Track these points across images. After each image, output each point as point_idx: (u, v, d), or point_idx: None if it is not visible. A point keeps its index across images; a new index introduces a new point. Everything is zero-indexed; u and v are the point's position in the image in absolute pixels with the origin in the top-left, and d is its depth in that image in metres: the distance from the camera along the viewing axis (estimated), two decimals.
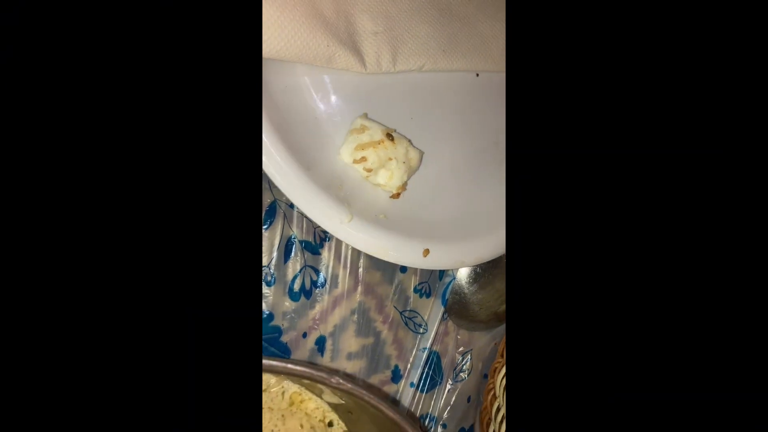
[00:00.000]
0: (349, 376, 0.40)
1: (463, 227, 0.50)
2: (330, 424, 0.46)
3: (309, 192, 0.42)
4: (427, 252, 0.47)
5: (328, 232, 0.44)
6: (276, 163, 0.40)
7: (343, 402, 0.45)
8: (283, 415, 0.44)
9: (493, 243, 0.51)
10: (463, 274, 0.54)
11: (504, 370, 0.54)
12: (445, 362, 0.55)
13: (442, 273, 0.54)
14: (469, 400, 0.55)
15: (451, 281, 0.53)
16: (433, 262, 0.48)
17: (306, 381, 0.37)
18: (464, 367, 0.54)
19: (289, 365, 0.35)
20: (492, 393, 0.55)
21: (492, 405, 0.54)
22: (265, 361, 0.34)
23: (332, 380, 0.36)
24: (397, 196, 0.47)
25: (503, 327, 0.56)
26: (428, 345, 0.52)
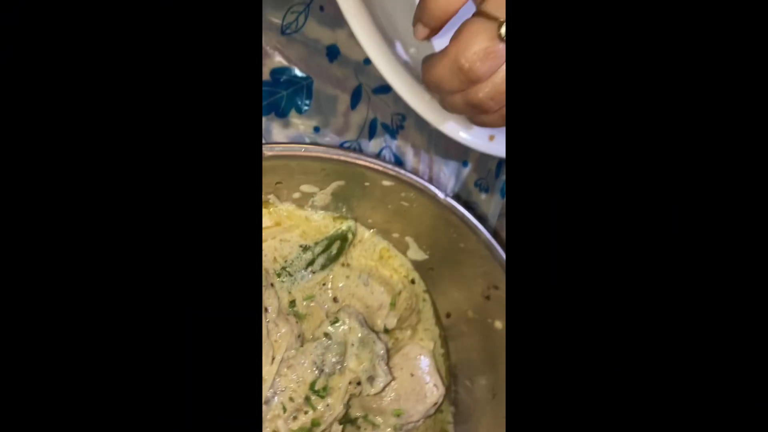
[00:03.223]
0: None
1: None
2: (413, 281, 0.51)
3: (401, 74, 0.48)
4: (492, 138, 0.54)
5: (403, 120, 0.51)
6: (377, 49, 0.46)
7: (427, 257, 0.50)
8: (375, 263, 0.49)
9: None
10: None
11: None
12: None
13: (498, 171, 0.60)
14: None
15: None
16: (497, 149, 0.55)
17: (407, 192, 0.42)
18: None
19: (403, 172, 0.41)
20: None
21: None
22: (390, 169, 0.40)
23: (439, 193, 0.42)
24: None
25: None
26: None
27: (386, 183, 0.41)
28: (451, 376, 0.53)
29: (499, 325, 0.48)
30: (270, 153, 0.38)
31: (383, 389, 0.45)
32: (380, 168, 0.39)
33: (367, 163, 0.39)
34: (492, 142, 0.55)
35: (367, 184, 0.42)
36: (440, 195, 0.41)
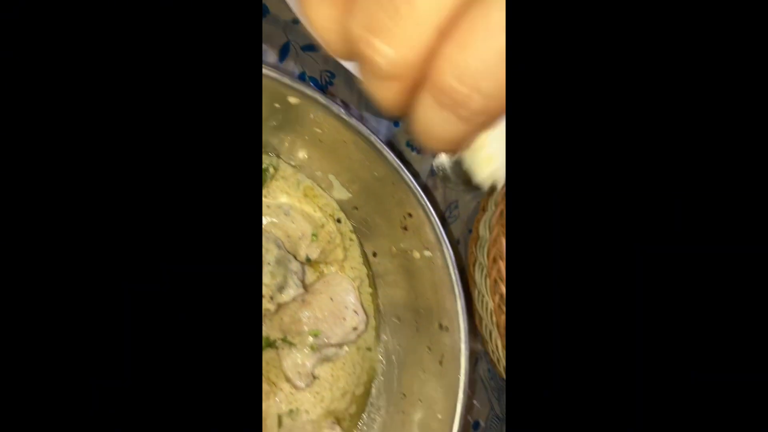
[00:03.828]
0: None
1: None
2: (338, 221, 0.54)
3: None
4: None
5: (332, 78, 0.55)
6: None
7: (351, 195, 0.53)
8: (299, 200, 0.52)
9: None
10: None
11: (485, 216, 0.63)
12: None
13: None
14: (458, 242, 0.63)
15: None
16: None
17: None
18: (453, 213, 0.63)
19: (303, 86, 0.44)
20: (476, 239, 0.63)
21: (476, 246, 0.62)
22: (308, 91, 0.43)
23: (341, 110, 0.45)
24: None
25: (483, 191, 0.65)
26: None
27: (293, 100, 0.45)
28: (380, 314, 0.55)
29: (417, 255, 0.50)
30: None
31: (293, 298, 0.47)
32: (280, 78, 0.43)
33: (266, 70, 0.42)
34: None
35: (277, 105, 0.46)
36: (342, 112, 0.44)
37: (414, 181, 0.47)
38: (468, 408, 0.46)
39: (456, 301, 0.48)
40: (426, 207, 0.47)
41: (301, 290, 0.47)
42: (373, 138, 0.46)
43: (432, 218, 0.47)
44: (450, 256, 0.48)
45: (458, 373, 0.46)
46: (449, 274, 0.48)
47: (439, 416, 0.47)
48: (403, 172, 0.47)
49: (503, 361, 0.58)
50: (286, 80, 0.43)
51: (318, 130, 0.47)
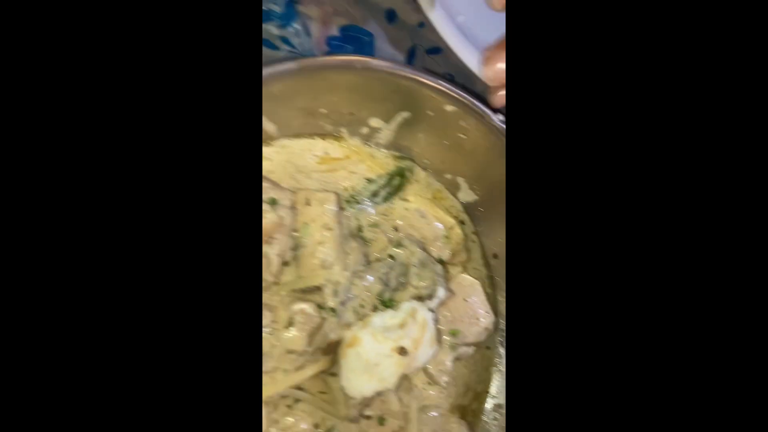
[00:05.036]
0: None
1: None
2: (462, 223, 0.55)
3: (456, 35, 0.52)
4: None
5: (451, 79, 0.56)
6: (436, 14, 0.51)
7: (477, 197, 0.55)
8: (429, 203, 0.54)
9: None
10: None
11: None
12: None
13: None
14: None
15: None
16: None
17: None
18: None
19: (466, 95, 0.45)
20: None
21: None
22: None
23: (495, 118, 0.46)
24: None
25: None
26: None
27: (449, 108, 0.46)
28: (498, 315, 0.56)
29: None
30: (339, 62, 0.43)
31: (443, 302, 0.49)
32: (445, 89, 0.44)
33: (431, 82, 0.44)
34: None
35: (430, 113, 0.47)
36: (496, 119, 0.46)
37: None
38: None
39: None
40: None
41: (448, 293, 0.49)
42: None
43: None
44: None
45: None
46: None
47: None
48: None
49: None
50: (452, 90, 0.44)
51: (462, 136, 0.49)
